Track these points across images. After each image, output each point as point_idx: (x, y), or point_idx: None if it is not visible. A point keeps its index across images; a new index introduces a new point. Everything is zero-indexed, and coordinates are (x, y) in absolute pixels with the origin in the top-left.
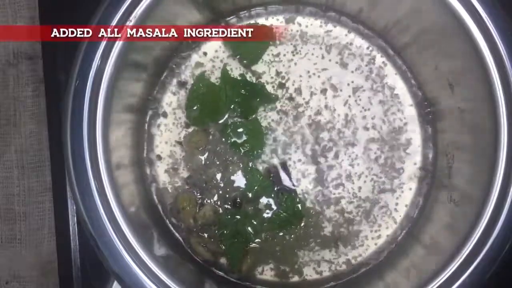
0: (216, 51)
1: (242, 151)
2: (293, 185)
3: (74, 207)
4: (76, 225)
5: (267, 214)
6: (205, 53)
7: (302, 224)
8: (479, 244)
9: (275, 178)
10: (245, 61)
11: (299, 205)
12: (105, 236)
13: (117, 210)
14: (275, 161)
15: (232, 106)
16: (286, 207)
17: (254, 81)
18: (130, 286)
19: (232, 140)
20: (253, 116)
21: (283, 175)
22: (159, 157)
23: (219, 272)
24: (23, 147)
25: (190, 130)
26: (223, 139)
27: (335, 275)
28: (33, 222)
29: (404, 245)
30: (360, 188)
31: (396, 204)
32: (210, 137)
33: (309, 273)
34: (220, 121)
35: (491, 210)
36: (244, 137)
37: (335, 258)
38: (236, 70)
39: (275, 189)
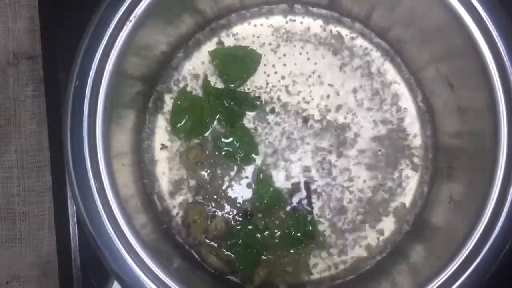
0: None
1: (238, 159)
2: (311, 206)
3: (74, 207)
4: (76, 225)
5: (278, 231)
6: (190, 72)
7: (312, 245)
8: (479, 244)
9: (296, 195)
10: (231, 85)
11: (310, 227)
12: (105, 236)
13: (117, 210)
14: (301, 178)
15: (218, 116)
16: (298, 226)
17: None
18: (130, 286)
19: (225, 149)
20: (240, 123)
21: (303, 194)
22: (159, 158)
23: (233, 279)
24: (23, 147)
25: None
26: (216, 152)
27: (335, 275)
28: (33, 222)
29: (405, 245)
30: (360, 188)
31: (397, 204)
32: (207, 151)
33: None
34: (207, 133)
35: (491, 210)
36: (236, 145)
37: (336, 258)
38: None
39: (291, 206)
